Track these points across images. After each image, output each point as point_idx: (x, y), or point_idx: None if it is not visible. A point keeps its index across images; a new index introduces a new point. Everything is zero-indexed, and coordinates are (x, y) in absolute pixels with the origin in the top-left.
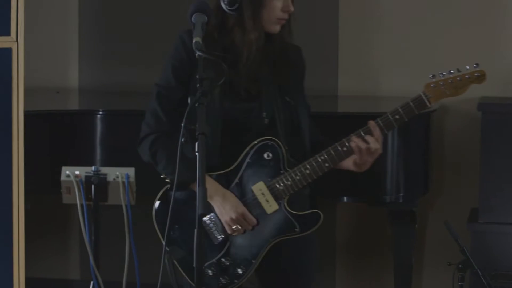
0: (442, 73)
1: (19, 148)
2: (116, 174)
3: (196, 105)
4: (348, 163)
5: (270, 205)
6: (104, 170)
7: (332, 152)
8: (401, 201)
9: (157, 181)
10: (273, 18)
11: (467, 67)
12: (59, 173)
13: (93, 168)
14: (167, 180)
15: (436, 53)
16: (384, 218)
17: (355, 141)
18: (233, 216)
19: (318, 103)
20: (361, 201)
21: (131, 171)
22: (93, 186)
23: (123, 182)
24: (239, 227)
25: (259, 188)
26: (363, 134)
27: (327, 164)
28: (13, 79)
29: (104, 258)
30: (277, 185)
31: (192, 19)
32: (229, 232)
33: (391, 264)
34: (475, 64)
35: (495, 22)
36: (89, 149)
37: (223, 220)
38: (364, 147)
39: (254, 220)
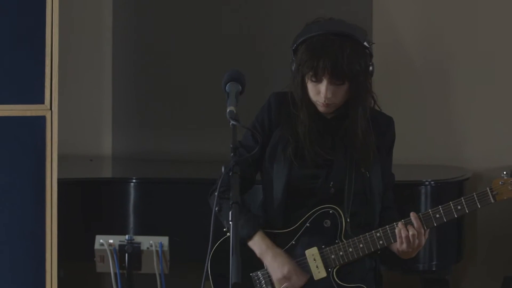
0: (510, 173)
1: (52, 215)
2: (150, 243)
3: (230, 174)
4: (393, 247)
5: (319, 271)
6: (138, 238)
7: (388, 231)
8: (434, 269)
9: (191, 248)
10: (314, 101)
11: None
12: (92, 241)
13: (127, 237)
14: (228, 234)
15: (471, 120)
16: (418, 287)
17: (399, 227)
18: (280, 275)
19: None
20: (395, 270)
21: (164, 239)
22: (126, 255)
23: (157, 251)
24: (288, 285)
25: (311, 253)
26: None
27: (381, 242)
28: (47, 147)
29: None
30: (330, 253)
31: (226, 88)
32: None
33: None
34: None
35: None
36: (123, 217)
37: (273, 277)
38: (404, 235)
39: (304, 278)
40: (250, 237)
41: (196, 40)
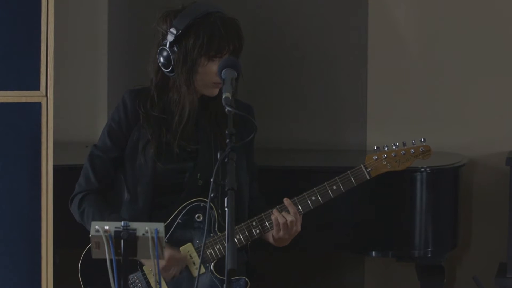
0: (386, 146)
1: (48, 202)
2: (145, 229)
3: (226, 160)
4: (269, 236)
5: (197, 268)
6: (134, 225)
7: (264, 219)
8: (429, 255)
9: None
10: (208, 82)
11: (413, 141)
12: (86, 228)
13: (122, 223)
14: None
15: (468, 106)
16: (413, 273)
17: (275, 215)
18: (163, 263)
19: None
20: (390, 256)
21: (160, 226)
22: (122, 241)
23: (153, 237)
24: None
25: (187, 250)
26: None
27: (257, 231)
28: (42, 134)
29: None
30: (206, 248)
31: (222, 74)
32: (167, 279)
33: None
34: (422, 139)
35: None
36: None
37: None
38: (282, 222)
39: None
40: None
41: None
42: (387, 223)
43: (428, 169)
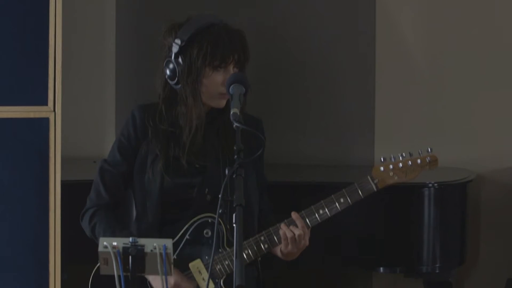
0: (393, 157)
1: (56, 217)
2: (153, 245)
3: (234, 176)
4: (277, 250)
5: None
6: (142, 241)
7: (272, 233)
8: (437, 271)
9: None
10: (214, 93)
11: (420, 151)
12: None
13: (130, 239)
14: None
15: (476, 121)
16: None
17: (283, 229)
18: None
19: (354, 172)
20: (398, 272)
21: (168, 242)
22: (130, 257)
23: (161, 254)
24: None
25: (196, 266)
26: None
27: (266, 246)
28: (50, 149)
29: None
30: (215, 264)
31: (230, 90)
32: None
33: None
34: (429, 149)
35: None
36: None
37: None
38: (289, 236)
39: (193, 287)
40: None
41: None
42: (395, 239)
43: (436, 184)
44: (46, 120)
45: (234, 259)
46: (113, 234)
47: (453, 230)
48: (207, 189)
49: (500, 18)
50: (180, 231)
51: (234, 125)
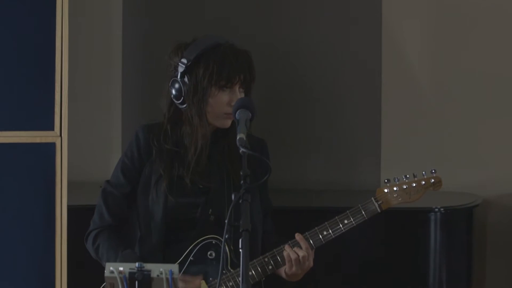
0: (397, 178)
1: (62, 242)
2: (160, 270)
3: (240, 201)
4: (281, 271)
5: None
6: (148, 266)
7: (276, 255)
8: None
9: None
10: (220, 113)
11: (424, 172)
12: (102, 268)
13: (137, 264)
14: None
15: (482, 146)
16: None
17: (287, 250)
18: None
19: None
20: None
21: (174, 267)
22: (137, 282)
23: (167, 279)
24: None
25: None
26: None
27: (270, 267)
28: (57, 174)
29: None
30: (219, 286)
31: (236, 115)
32: None
33: None
34: (433, 170)
35: None
36: None
37: None
38: (294, 258)
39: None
40: None
41: None
42: (401, 263)
43: (442, 209)
44: (53, 145)
45: (239, 281)
46: (116, 254)
47: (460, 254)
48: (210, 210)
49: (505, 48)
50: (184, 251)
51: (240, 151)
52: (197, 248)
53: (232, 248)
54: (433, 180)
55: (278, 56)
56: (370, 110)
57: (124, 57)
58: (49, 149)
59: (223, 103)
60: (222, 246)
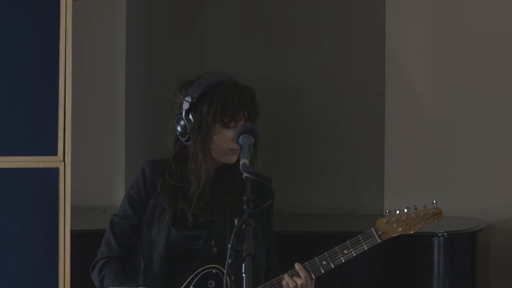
0: (398, 210)
1: (65, 267)
2: None
3: (243, 226)
4: None
5: None
6: None
7: (276, 284)
8: None
9: None
10: (225, 150)
11: (424, 204)
12: None
13: None
14: None
15: (485, 170)
16: None
17: (286, 279)
18: None
19: (363, 222)
20: None
21: None
22: None
23: None
24: None
25: None
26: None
27: None
28: (60, 199)
29: None
30: None
31: (239, 140)
32: None
33: None
34: (434, 201)
35: None
36: None
37: None
38: (292, 287)
39: None
40: None
41: None
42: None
43: (445, 234)
44: (56, 170)
45: None
46: (121, 285)
47: (463, 279)
48: (213, 241)
49: (508, 73)
50: (184, 282)
51: (243, 175)
52: (198, 277)
53: (233, 278)
54: (433, 211)
55: (280, 85)
56: (374, 136)
57: (128, 88)
58: (52, 174)
59: (228, 140)
60: (226, 270)
